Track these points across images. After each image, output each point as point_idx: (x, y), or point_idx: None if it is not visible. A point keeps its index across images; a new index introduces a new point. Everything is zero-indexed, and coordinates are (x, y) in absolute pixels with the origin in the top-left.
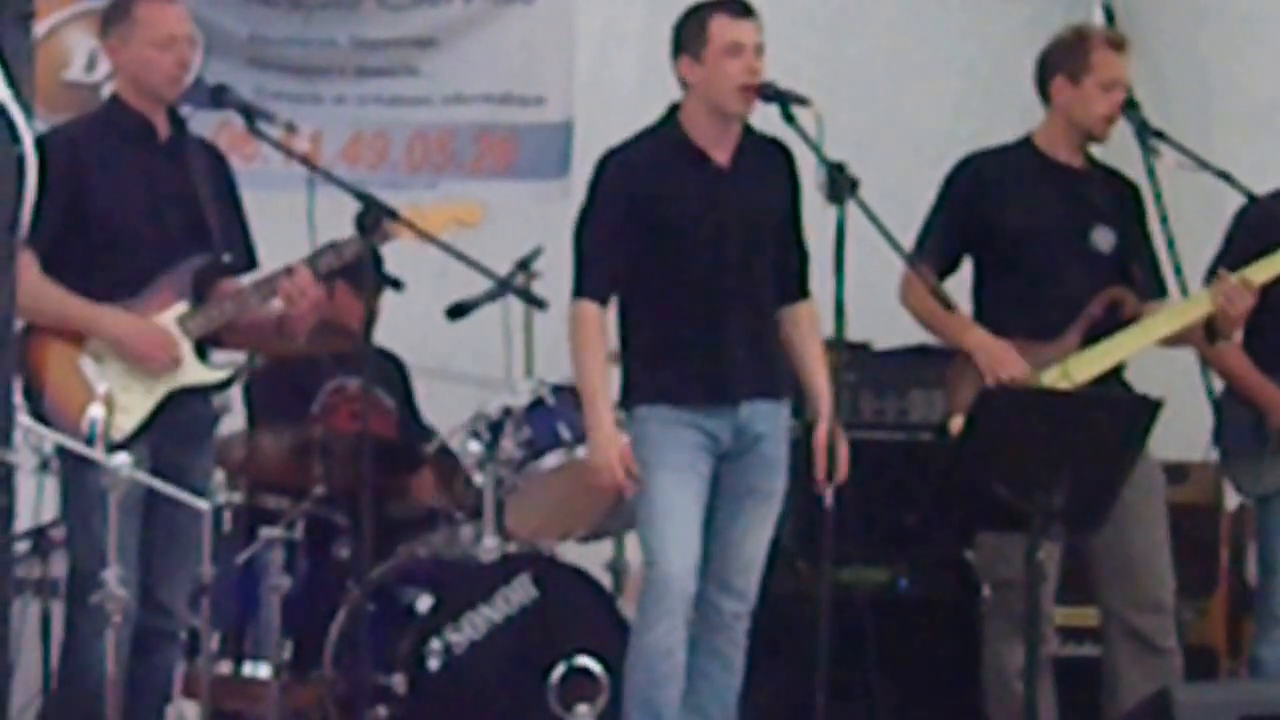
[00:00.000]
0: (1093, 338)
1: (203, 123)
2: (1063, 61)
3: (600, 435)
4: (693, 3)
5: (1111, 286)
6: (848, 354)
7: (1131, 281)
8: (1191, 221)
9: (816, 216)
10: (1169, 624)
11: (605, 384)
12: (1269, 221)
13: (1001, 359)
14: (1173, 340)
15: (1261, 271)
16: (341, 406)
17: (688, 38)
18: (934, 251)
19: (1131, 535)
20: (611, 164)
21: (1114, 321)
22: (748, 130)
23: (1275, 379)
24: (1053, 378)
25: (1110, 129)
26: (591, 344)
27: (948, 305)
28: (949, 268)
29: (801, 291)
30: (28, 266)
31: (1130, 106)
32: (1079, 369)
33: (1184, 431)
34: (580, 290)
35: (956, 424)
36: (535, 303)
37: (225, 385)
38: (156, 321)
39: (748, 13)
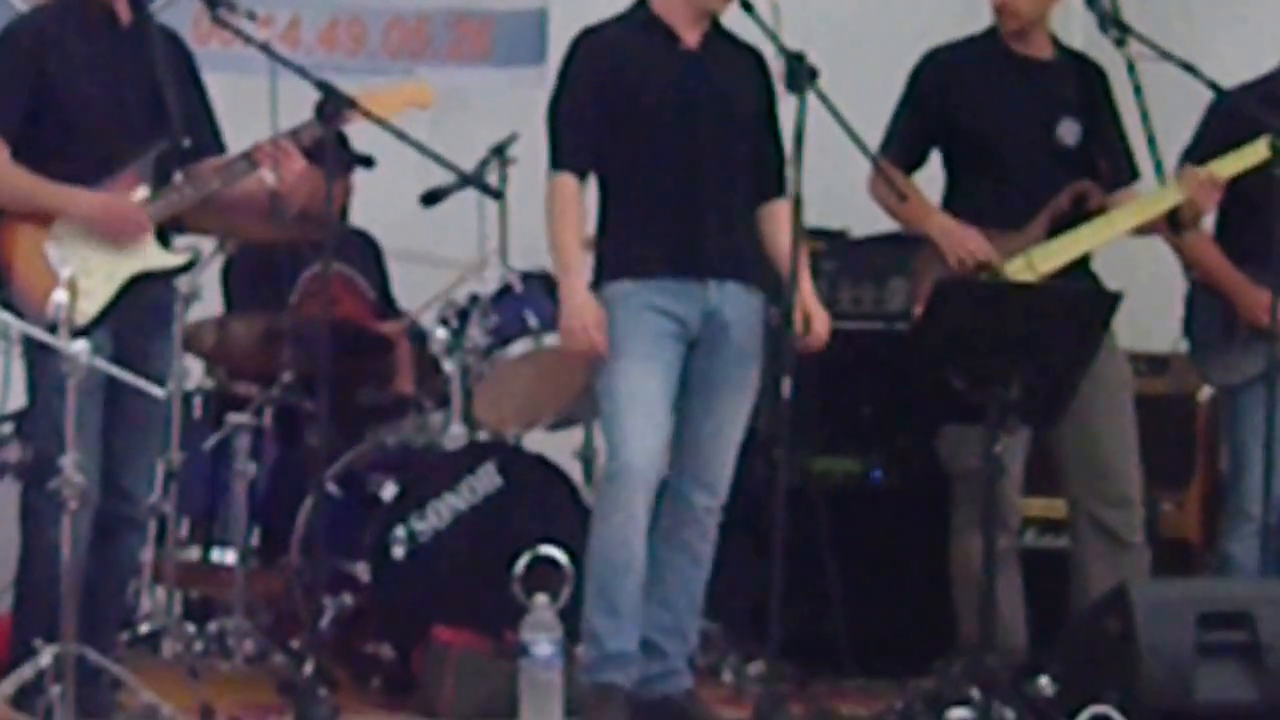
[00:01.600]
0: (1059, 230)
1: (181, 7)
2: None
3: (573, 302)
4: None
5: (1077, 179)
6: (824, 242)
7: (1097, 174)
8: (1171, 113)
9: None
10: (1136, 518)
11: (579, 254)
12: (1240, 114)
13: (964, 240)
14: (1139, 231)
15: (1229, 165)
16: (321, 294)
17: None
18: (900, 145)
19: (1098, 429)
20: (583, 44)
21: (1080, 214)
22: (718, 26)
23: (1245, 270)
24: (1017, 268)
25: (1026, 15)
26: (567, 215)
27: (901, 195)
28: (916, 161)
29: (779, 188)
30: None
31: None
32: (1043, 260)
33: (1164, 321)
34: (557, 163)
35: (918, 313)
36: (491, 193)
37: (185, 269)
38: (123, 189)
39: None
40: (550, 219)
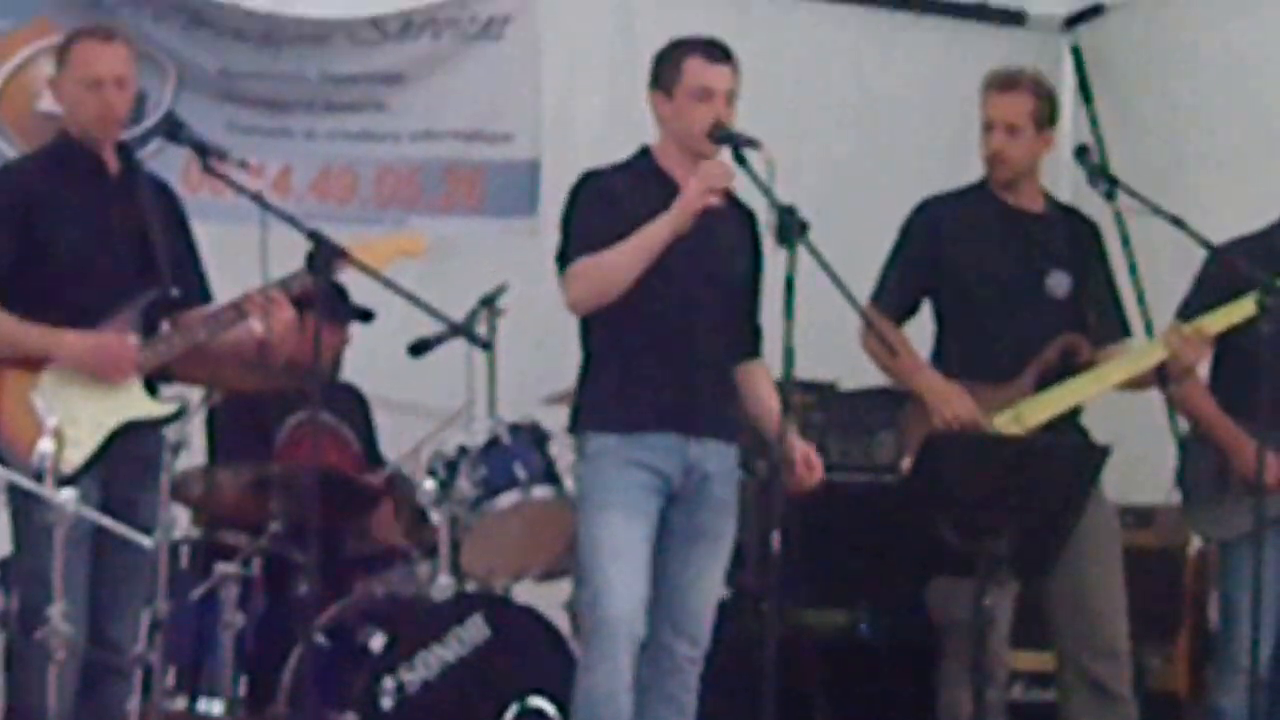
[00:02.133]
0: (1047, 383)
1: (172, 155)
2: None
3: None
4: (673, 39)
5: (1066, 332)
6: (813, 395)
7: (1086, 327)
8: (1163, 265)
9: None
10: (1124, 671)
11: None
12: (1232, 269)
13: (949, 399)
14: (1129, 385)
15: (1219, 320)
16: (305, 442)
17: (663, 72)
18: (891, 295)
19: (1087, 581)
20: (588, 183)
21: (1068, 367)
22: None
23: (1240, 423)
24: (1004, 422)
25: (1018, 164)
26: (603, 254)
27: (891, 351)
28: (907, 311)
29: (756, 349)
30: None
31: (1081, 153)
32: (1031, 413)
33: (1150, 474)
34: (569, 258)
35: (907, 466)
36: (479, 343)
37: (173, 419)
38: (112, 332)
39: (725, 58)
40: (594, 273)
